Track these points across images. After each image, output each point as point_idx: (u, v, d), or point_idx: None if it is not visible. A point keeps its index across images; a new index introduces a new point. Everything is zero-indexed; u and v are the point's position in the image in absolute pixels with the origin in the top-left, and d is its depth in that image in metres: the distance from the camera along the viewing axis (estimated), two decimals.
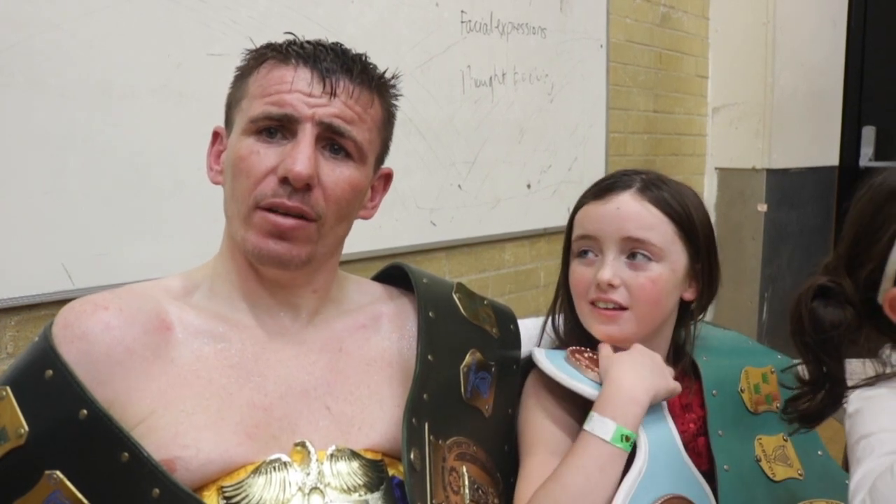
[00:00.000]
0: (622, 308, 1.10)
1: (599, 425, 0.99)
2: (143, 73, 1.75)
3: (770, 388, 1.21)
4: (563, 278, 1.20)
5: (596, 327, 1.12)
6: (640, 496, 0.98)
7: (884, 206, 0.90)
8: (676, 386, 1.07)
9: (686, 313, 1.20)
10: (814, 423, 1.01)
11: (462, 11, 2.53)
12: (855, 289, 0.92)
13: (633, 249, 1.10)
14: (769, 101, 3.76)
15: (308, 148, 0.92)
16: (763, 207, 3.77)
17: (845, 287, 0.93)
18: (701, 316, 1.21)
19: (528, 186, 2.85)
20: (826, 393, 0.96)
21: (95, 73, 1.67)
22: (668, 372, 1.08)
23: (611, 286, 1.09)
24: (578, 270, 1.14)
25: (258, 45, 1.01)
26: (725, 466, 1.09)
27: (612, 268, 1.09)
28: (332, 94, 0.94)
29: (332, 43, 0.99)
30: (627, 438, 0.99)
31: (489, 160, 2.67)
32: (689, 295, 1.16)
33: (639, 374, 1.04)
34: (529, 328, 1.24)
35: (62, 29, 1.62)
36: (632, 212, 1.10)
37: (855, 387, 0.94)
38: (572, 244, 1.16)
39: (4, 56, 1.54)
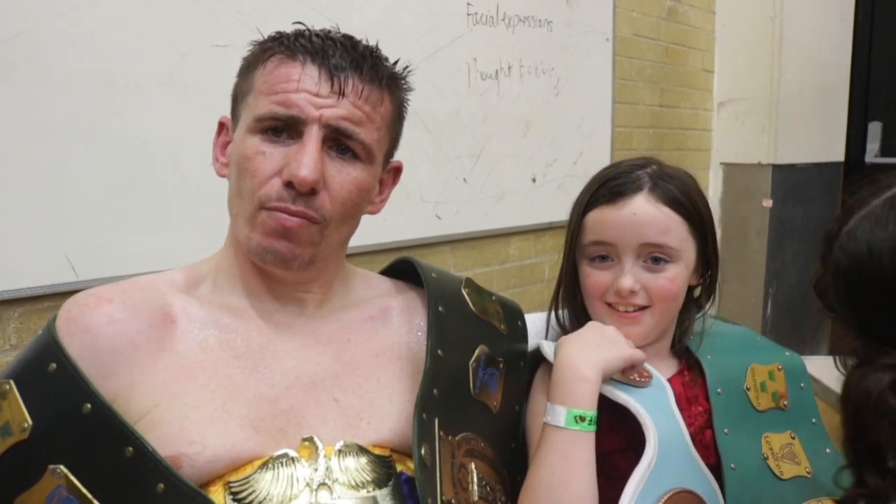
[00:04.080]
0: (642, 308, 1.11)
1: (552, 413, 1.00)
2: (148, 63, 1.74)
3: (777, 386, 1.21)
4: (568, 275, 1.19)
5: None
6: (649, 490, 0.98)
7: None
8: (632, 354, 1.07)
9: (689, 300, 1.20)
10: None
11: (468, 4, 2.52)
12: None
13: (652, 253, 1.10)
14: (775, 96, 3.74)
15: (314, 151, 0.90)
16: (768, 203, 3.75)
17: None
18: (709, 305, 1.22)
19: (534, 180, 2.84)
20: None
21: (100, 63, 1.66)
22: (623, 342, 1.08)
23: (631, 292, 1.10)
24: (594, 275, 1.14)
25: (265, 36, 0.99)
26: (732, 465, 1.09)
27: (631, 275, 1.10)
28: (341, 93, 0.92)
29: (342, 36, 0.97)
30: (583, 419, 0.98)
31: (494, 154, 2.66)
32: (693, 280, 1.18)
33: (582, 351, 1.04)
34: (536, 322, 1.24)
35: (67, 18, 1.61)
36: (649, 217, 1.10)
37: None
38: (584, 247, 1.15)
39: (8, 46, 1.53)
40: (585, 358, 1.03)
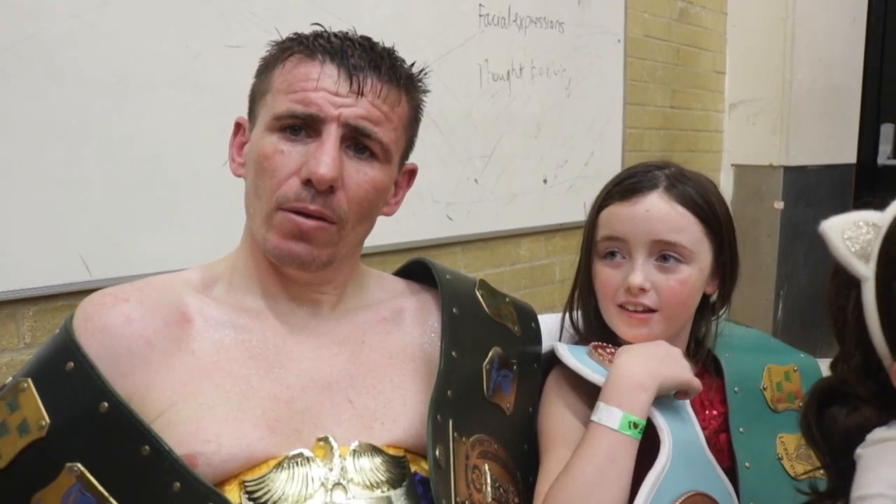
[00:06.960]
0: (651, 311, 1.10)
1: (606, 414, 0.99)
2: (161, 64, 1.75)
3: (793, 387, 1.20)
4: (583, 276, 1.18)
5: (624, 329, 1.11)
6: (663, 493, 0.98)
7: (838, 291, 0.84)
8: (691, 379, 1.05)
9: (705, 306, 1.19)
10: None
11: (480, 5, 2.52)
12: (863, 379, 0.82)
13: (664, 252, 1.09)
14: (787, 97, 3.73)
15: (333, 150, 0.91)
16: (779, 205, 3.74)
17: (853, 383, 0.83)
18: (723, 311, 1.21)
19: (545, 181, 2.84)
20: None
21: (113, 64, 1.67)
22: (685, 365, 1.06)
23: (641, 290, 1.08)
24: (605, 272, 1.13)
25: (284, 36, 0.99)
26: (747, 464, 1.09)
27: (642, 272, 1.09)
28: (360, 93, 0.92)
29: (360, 37, 0.98)
30: (635, 425, 0.98)
31: (506, 155, 2.66)
32: (710, 289, 1.16)
33: (644, 361, 1.03)
34: (548, 324, 1.24)
35: (80, 19, 1.61)
36: (662, 214, 1.09)
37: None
38: (597, 244, 1.14)
39: (22, 46, 1.54)
40: (647, 368, 1.02)
